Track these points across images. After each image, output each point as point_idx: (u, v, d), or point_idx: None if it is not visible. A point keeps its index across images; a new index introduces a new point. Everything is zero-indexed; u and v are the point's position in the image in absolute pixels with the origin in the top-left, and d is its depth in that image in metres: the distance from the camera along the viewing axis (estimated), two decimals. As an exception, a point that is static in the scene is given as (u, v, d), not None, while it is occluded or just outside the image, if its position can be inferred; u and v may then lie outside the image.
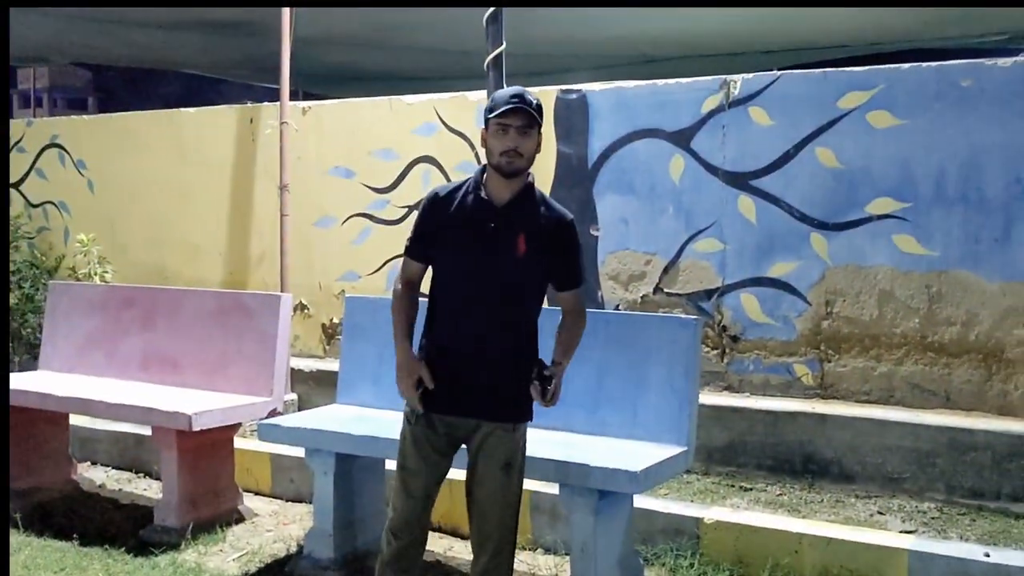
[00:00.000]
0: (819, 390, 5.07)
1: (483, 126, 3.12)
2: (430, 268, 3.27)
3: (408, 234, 3.29)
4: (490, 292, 3.10)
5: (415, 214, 6.06)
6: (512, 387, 3.16)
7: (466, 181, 3.20)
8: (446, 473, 3.27)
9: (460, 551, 4.38)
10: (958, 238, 4.74)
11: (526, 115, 3.02)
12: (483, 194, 3.13)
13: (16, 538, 4.63)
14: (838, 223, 4.99)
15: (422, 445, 3.18)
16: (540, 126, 3.08)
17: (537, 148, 3.10)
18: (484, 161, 3.17)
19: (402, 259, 3.30)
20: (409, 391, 3.20)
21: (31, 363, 6.23)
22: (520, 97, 3.03)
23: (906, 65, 4.85)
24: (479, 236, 3.09)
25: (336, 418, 4.34)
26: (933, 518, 4.42)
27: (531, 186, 3.15)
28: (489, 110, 3.09)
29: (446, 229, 3.15)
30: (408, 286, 3.28)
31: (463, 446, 3.25)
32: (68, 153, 7.67)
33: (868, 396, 4.97)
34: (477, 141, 5.88)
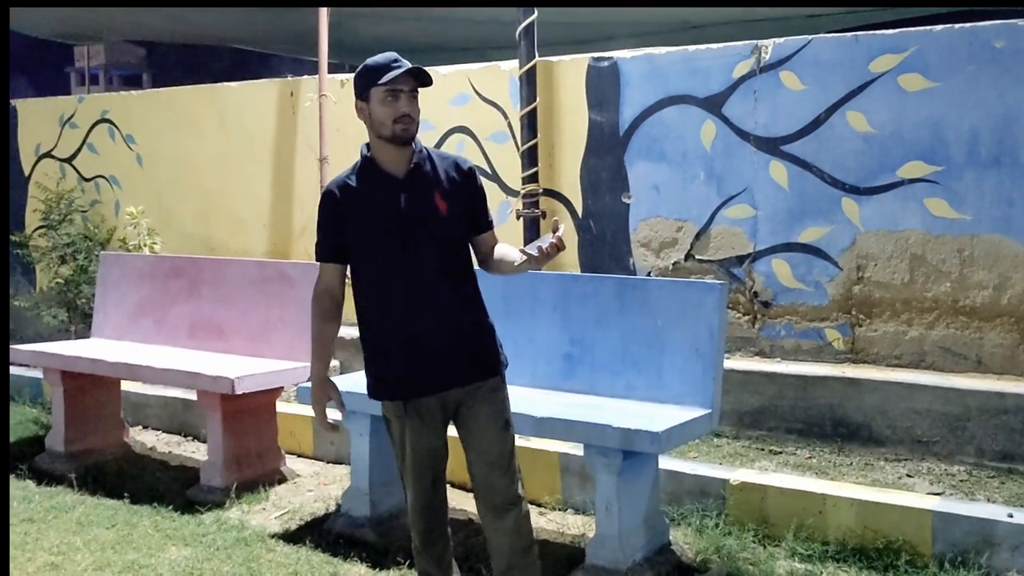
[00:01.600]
0: (850, 355, 5.09)
1: (360, 99, 2.96)
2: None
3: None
4: (426, 262, 3.00)
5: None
6: (483, 340, 3.13)
7: (353, 169, 3.06)
8: (446, 449, 3.21)
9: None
10: (991, 201, 4.69)
11: (415, 78, 2.91)
12: (381, 172, 3.00)
13: (70, 496, 4.88)
14: (869, 187, 4.97)
15: (417, 438, 3.10)
16: (428, 84, 2.96)
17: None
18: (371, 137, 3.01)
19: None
20: (319, 415, 3.18)
21: (86, 332, 6.47)
22: (399, 61, 2.91)
23: (938, 27, 4.80)
24: (395, 214, 2.98)
25: (371, 382, 4.47)
26: (962, 481, 4.43)
27: (421, 148, 3.04)
28: (369, 79, 2.92)
29: (356, 221, 3.01)
30: (328, 296, 3.11)
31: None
32: (118, 128, 7.89)
33: (899, 360, 4.97)
34: (510, 111, 5.95)
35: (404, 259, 3.01)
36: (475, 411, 3.12)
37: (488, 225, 3.18)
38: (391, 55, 2.95)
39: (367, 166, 3.03)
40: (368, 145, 3.06)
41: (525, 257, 2.93)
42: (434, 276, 3.02)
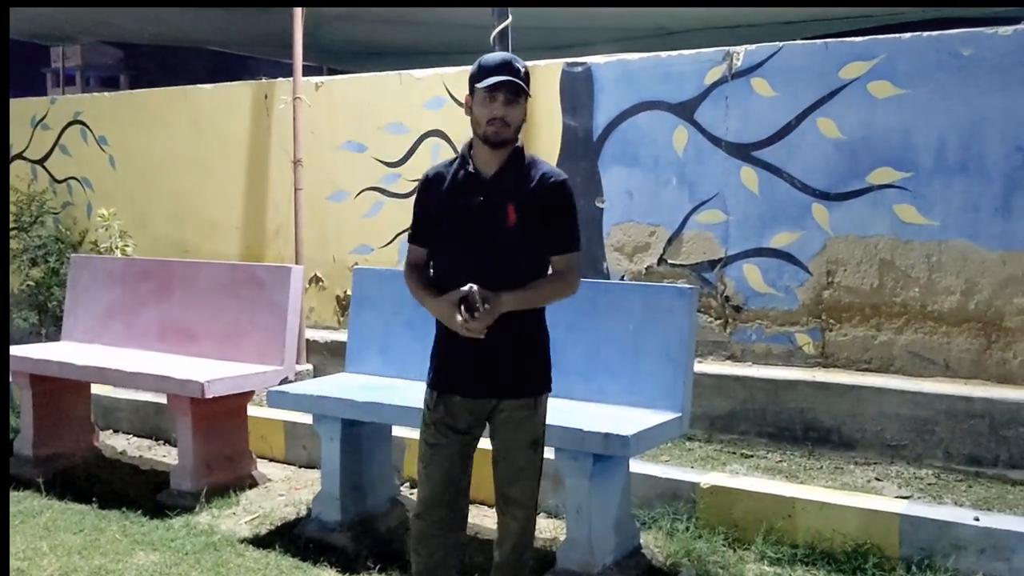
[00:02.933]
0: (820, 359, 5.12)
1: (469, 93, 3.00)
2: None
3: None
4: (486, 267, 2.97)
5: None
6: (526, 361, 3.10)
7: (455, 158, 3.12)
8: (471, 453, 3.18)
9: (473, 514, 4.47)
10: (958, 207, 4.75)
11: (514, 85, 2.91)
12: (471, 167, 3.03)
13: (38, 501, 4.82)
14: (839, 193, 5.02)
15: (441, 428, 3.10)
16: (527, 95, 2.97)
17: (523, 117, 3.00)
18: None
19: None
20: (453, 317, 2.93)
21: (56, 335, 6.41)
22: (508, 67, 2.92)
23: (907, 35, 4.86)
24: (468, 211, 3.00)
25: (343, 386, 4.45)
26: (930, 484, 4.48)
27: (520, 152, 3.04)
28: (475, 77, 2.95)
29: (437, 209, 3.07)
30: (415, 270, 3.18)
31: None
32: (90, 130, 7.84)
33: (868, 365, 5.01)
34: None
35: (467, 259, 3.01)
36: (505, 425, 3.11)
37: (559, 249, 3.06)
38: (502, 58, 2.97)
39: (462, 160, 3.07)
40: (471, 141, 3.08)
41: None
42: (493, 283, 2.96)
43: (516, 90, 2.93)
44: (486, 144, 2.98)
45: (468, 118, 3.02)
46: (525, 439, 3.12)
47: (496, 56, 2.98)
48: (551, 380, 3.19)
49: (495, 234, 3.00)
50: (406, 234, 6.08)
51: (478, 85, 2.92)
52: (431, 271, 3.18)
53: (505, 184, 3.01)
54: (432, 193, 3.10)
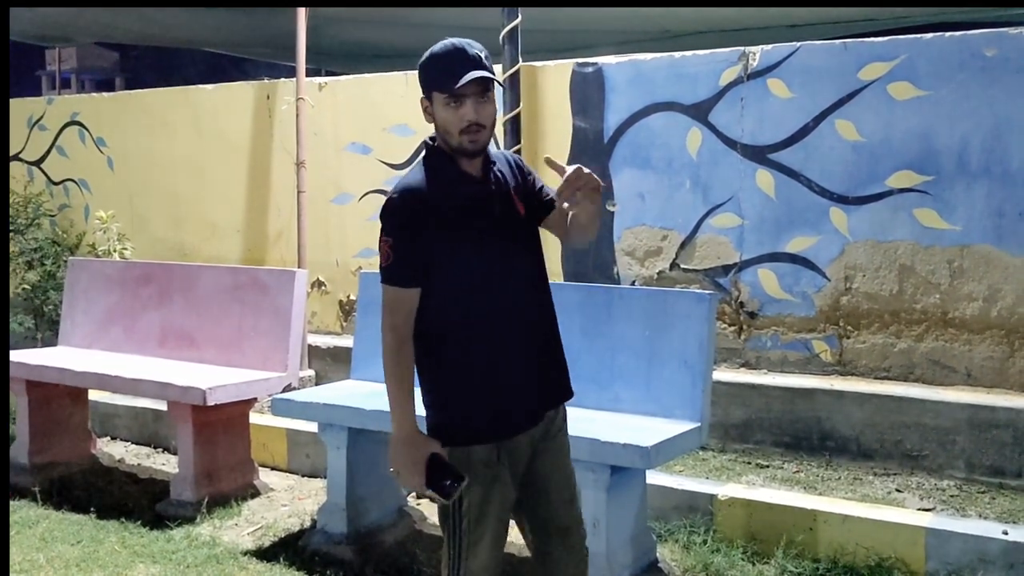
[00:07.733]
0: (838, 367, 5.01)
1: (424, 95, 2.52)
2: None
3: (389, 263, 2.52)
4: (514, 272, 2.62)
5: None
6: (563, 356, 2.76)
7: (423, 168, 2.57)
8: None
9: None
10: (981, 212, 4.64)
11: (483, 81, 2.44)
12: (460, 170, 2.55)
13: (34, 511, 4.70)
14: (858, 197, 4.90)
15: (505, 490, 2.61)
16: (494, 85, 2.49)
17: (495, 109, 2.54)
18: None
19: (387, 295, 2.53)
20: (415, 478, 2.49)
21: (53, 340, 6.28)
22: (470, 59, 2.43)
23: (929, 35, 4.75)
24: (485, 220, 2.57)
25: (350, 393, 4.35)
26: (952, 496, 4.36)
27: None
28: (432, 78, 2.47)
29: (442, 230, 2.52)
30: (409, 326, 2.55)
31: None
32: (88, 131, 7.71)
33: (888, 373, 4.90)
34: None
35: (494, 269, 2.58)
36: (557, 435, 2.75)
37: (552, 204, 2.67)
38: (455, 49, 2.45)
39: (443, 163, 2.56)
40: (434, 138, 2.61)
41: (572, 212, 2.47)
42: (523, 288, 2.63)
43: (486, 85, 2.46)
44: (462, 155, 2.52)
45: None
46: (567, 453, 2.80)
47: (447, 45, 2.46)
48: None
49: (516, 231, 2.63)
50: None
51: (436, 92, 2.47)
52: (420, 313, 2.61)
53: (497, 178, 2.62)
54: (431, 213, 2.50)
